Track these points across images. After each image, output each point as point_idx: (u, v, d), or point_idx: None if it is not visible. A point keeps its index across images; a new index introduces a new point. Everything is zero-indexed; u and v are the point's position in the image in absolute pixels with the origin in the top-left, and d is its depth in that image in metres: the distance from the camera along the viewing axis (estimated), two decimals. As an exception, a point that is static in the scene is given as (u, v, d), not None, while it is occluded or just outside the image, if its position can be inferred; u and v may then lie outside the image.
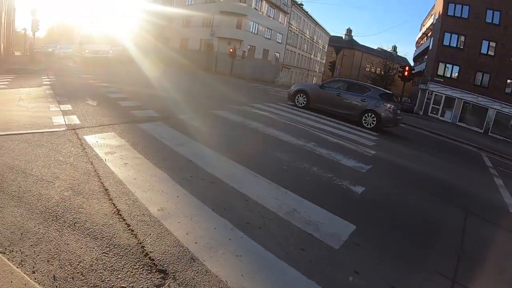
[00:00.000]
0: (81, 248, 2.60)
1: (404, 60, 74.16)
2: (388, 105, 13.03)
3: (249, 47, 47.27)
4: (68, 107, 7.55)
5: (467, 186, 7.59)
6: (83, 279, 2.28)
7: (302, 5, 62.29)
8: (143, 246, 2.73)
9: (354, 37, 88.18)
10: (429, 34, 48.02)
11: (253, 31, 47.99)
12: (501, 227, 5.28)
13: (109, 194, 3.56)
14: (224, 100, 13.43)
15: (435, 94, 37.84)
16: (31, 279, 2.21)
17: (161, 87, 12.55)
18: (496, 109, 33.92)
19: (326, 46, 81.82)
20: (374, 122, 13.09)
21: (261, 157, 5.97)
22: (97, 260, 2.48)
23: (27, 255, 2.43)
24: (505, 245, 4.58)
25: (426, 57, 45.80)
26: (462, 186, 7.51)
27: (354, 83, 15.26)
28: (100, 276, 2.34)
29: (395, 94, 15.13)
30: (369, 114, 13.22)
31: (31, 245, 2.54)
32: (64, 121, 6.28)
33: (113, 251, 2.62)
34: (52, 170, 3.98)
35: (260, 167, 5.25)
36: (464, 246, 4.12)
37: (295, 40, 62.98)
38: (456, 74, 36.42)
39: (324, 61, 79.75)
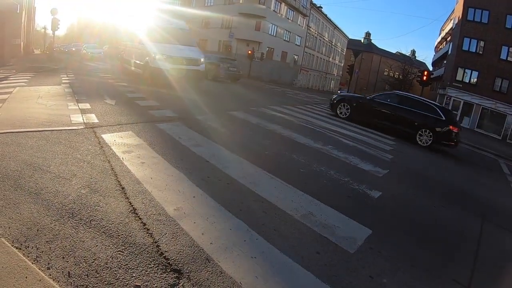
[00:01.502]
0: (97, 245, 2.60)
1: (422, 64, 73.77)
2: (221, 64, 21.64)
3: (267, 49, 47.37)
4: (86, 105, 7.62)
5: (484, 193, 7.45)
6: (97, 277, 2.28)
7: (321, 7, 62.25)
8: (158, 245, 2.72)
9: (373, 41, 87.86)
10: (448, 39, 47.45)
11: (272, 33, 48.06)
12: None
13: (125, 193, 3.57)
14: (241, 102, 13.46)
15: (454, 100, 37.37)
16: (46, 275, 2.21)
17: (179, 88, 12.60)
18: (515, 115, 33.38)
19: (345, 49, 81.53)
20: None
21: (278, 159, 5.93)
22: (112, 258, 2.48)
23: (42, 251, 2.44)
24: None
25: (445, 62, 45.32)
26: (479, 193, 7.36)
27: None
28: (115, 274, 2.33)
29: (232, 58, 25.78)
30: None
31: (46, 242, 2.55)
32: (83, 119, 6.33)
33: (128, 249, 2.61)
34: (70, 168, 4.01)
35: (277, 169, 5.22)
36: (480, 253, 4.03)
37: (313, 43, 62.93)
38: (475, 79, 35.95)
39: (342, 64, 79.45)
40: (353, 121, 13.84)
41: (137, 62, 14.09)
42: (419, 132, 12.58)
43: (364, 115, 14.13)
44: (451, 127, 12.20)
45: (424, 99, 14.27)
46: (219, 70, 21.73)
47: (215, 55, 24.68)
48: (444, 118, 12.39)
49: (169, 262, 2.55)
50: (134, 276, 2.34)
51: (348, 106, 14.50)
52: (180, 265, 2.54)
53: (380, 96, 14.35)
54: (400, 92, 15.28)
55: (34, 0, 42.03)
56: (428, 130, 12.37)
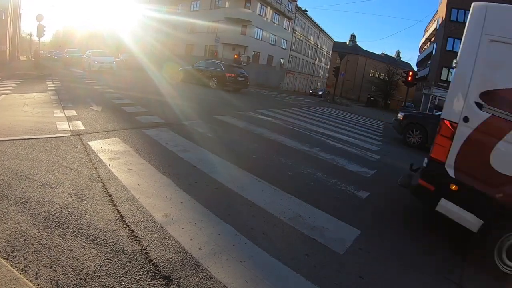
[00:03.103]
0: (85, 254, 2.58)
1: (408, 65, 74.56)
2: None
3: (253, 53, 47.43)
4: (72, 112, 7.58)
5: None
6: (86, 286, 2.26)
7: (307, 11, 62.63)
8: (147, 252, 2.72)
9: (358, 43, 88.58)
10: (432, 39, 47.99)
11: (258, 37, 48.15)
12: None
13: (113, 200, 3.55)
14: (228, 106, 13.45)
15: (439, 99, 37.72)
16: (34, 285, 2.20)
17: (166, 93, 12.57)
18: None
19: (331, 52, 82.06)
20: None
21: (265, 163, 5.95)
22: (100, 267, 2.47)
23: (30, 261, 2.42)
24: None
25: (429, 62, 45.84)
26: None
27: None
28: (104, 282, 2.32)
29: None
30: None
31: (34, 251, 2.53)
32: (69, 126, 6.29)
33: (117, 257, 2.60)
34: (56, 176, 3.98)
35: (264, 172, 5.23)
36: (469, 250, 4.06)
37: (299, 46, 63.19)
38: (460, 78, 36.26)
39: (328, 67, 79.92)
40: (185, 81, 22.40)
41: None
42: (211, 79, 21.04)
43: (188, 77, 22.45)
44: (226, 74, 20.58)
45: (217, 61, 24.36)
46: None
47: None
48: (223, 69, 20.83)
49: (158, 269, 2.55)
50: (123, 284, 2.33)
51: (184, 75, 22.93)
52: (169, 271, 2.54)
53: (197, 64, 23.11)
54: (208, 59, 27.51)
55: (19, 6, 41.68)
56: (215, 78, 20.87)
